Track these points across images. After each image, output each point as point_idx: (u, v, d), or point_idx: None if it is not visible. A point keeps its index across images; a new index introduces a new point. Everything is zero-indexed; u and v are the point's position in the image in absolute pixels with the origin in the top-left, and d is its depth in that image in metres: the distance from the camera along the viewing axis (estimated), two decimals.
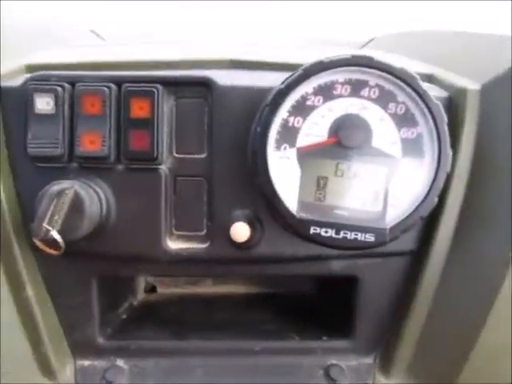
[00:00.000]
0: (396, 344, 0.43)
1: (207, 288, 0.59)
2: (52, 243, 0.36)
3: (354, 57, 0.37)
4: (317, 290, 0.57)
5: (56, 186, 0.36)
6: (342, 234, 0.36)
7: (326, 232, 0.36)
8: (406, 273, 0.43)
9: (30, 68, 0.44)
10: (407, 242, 0.43)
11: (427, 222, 0.42)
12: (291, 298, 0.57)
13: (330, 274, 0.43)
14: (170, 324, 0.49)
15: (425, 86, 0.37)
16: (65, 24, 0.72)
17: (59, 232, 0.35)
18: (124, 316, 0.50)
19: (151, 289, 0.59)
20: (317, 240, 0.36)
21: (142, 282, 0.58)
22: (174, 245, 0.41)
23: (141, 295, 0.57)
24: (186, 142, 0.41)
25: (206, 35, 0.72)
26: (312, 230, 0.36)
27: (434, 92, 0.38)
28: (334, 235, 0.36)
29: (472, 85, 0.42)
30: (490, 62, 0.46)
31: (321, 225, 0.37)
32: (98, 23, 0.85)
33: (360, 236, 0.36)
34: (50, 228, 0.35)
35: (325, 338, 0.46)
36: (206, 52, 0.49)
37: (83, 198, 0.37)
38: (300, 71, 0.37)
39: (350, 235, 0.36)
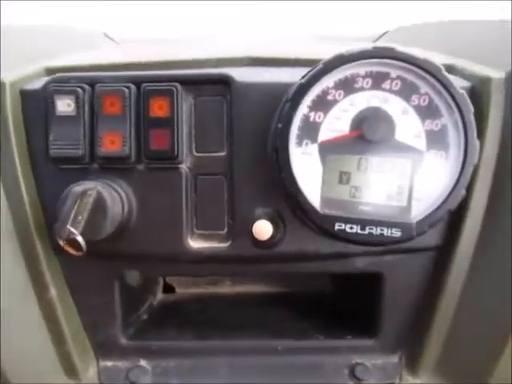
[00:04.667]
0: (423, 342, 0.42)
1: (226, 288, 0.59)
2: (74, 244, 0.36)
3: (375, 48, 0.36)
4: (336, 288, 0.56)
5: (79, 187, 0.36)
6: (367, 230, 0.36)
7: (351, 228, 0.36)
8: (431, 268, 0.43)
9: (49, 71, 0.44)
10: (433, 237, 0.42)
11: (453, 215, 0.41)
12: (310, 296, 0.56)
13: (353, 272, 0.43)
14: (190, 324, 0.49)
15: (449, 76, 0.36)
16: (77, 27, 0.72)
17: (82, 233, 0.35)
18: (145, 316, 0.50)
19: (169, 289, 0.59)
20: (342, 236, 0.36)
21: (160, 282, 0.58)
22: (195, 244, 0.41)
23: (159, 295, 0.57)
24: (205, 140, 0.41)
25: (219, 33, 0.72)
26: (337, 227, 0.36)
27: (455, 82, 0.38)
28: (359, 231, 0.36)
29: (496, 73, 0.41)
30: (509, 49, 0.45)
31: (346, 221, 0.36)
32: (107, 25, 0.85)
33: (386, 231, 0.36)
34: (73, 229, 0.35)
35: (349, 336, 0.45)
36: (223, 50, 0.48)
37: (105, 199, 0.37)
38: (320, 65, 0.36)
39: (376, 230, 0.36)
